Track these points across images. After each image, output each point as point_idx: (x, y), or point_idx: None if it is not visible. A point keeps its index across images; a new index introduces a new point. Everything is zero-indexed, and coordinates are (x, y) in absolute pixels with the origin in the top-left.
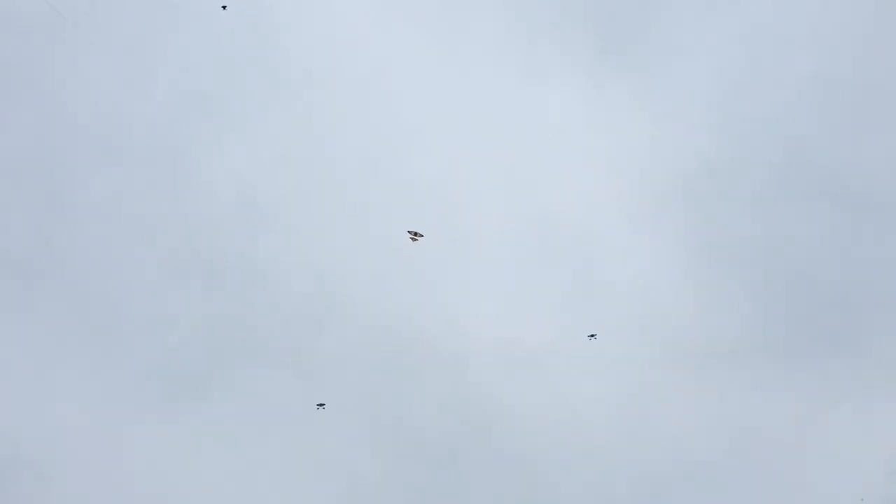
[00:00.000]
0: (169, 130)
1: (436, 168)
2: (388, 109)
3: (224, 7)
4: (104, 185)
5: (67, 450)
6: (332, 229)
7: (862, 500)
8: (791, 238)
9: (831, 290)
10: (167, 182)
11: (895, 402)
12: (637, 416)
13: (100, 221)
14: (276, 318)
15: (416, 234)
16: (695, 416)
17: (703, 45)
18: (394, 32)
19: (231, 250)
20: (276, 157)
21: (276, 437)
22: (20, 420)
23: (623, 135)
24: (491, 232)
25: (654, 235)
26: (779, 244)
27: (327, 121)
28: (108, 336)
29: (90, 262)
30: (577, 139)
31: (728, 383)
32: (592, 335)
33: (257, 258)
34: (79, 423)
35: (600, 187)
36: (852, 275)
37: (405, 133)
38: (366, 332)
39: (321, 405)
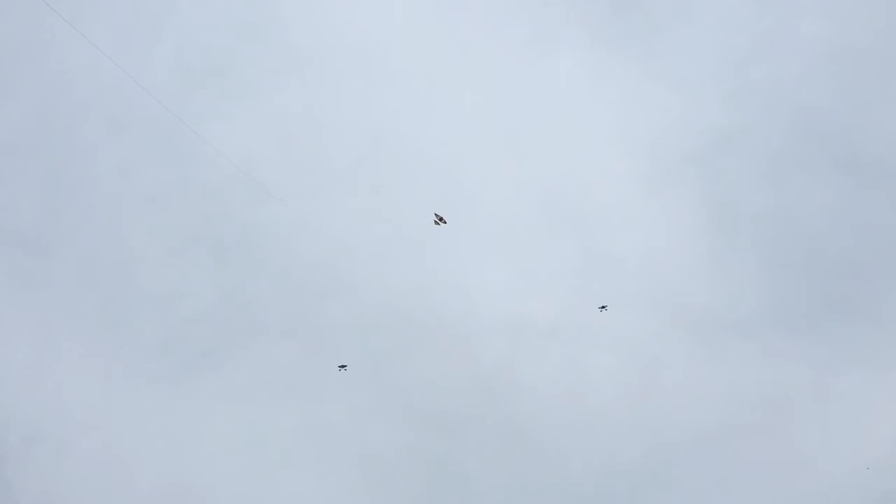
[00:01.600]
0: (176, 105)
1: (443, 141)
2: (393, 81)
3: None
4: (112, 159)
5: (82, 422)
6: (341, 203)
7: (868, 468)
8: (804, 207)
9: (844, 259)
10: (175, 157)
11: None
12: (649, 386)
13: (108, 196)
14: (285, 291)
15: (440, 218)
16: (706, 386)
17: (716, 12)
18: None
19: (241, 224)
20: (287, 131)
21: (287, 407)
22: (36, 394)
23: (633, 104)
24: (500, 205)
25: (665, 206)
26: (791, 214)
27: (333, 95)
28: (120, 309)
29: (100, 236)
30: (587, 109)
31: (739, 353)
32: (603, 307)
33: (266, 231)
34: (93, 395)
35: (611, 158)
36: (865, 244)
37: (411, 105)
38: (375, 306)
39: (343, 367)
